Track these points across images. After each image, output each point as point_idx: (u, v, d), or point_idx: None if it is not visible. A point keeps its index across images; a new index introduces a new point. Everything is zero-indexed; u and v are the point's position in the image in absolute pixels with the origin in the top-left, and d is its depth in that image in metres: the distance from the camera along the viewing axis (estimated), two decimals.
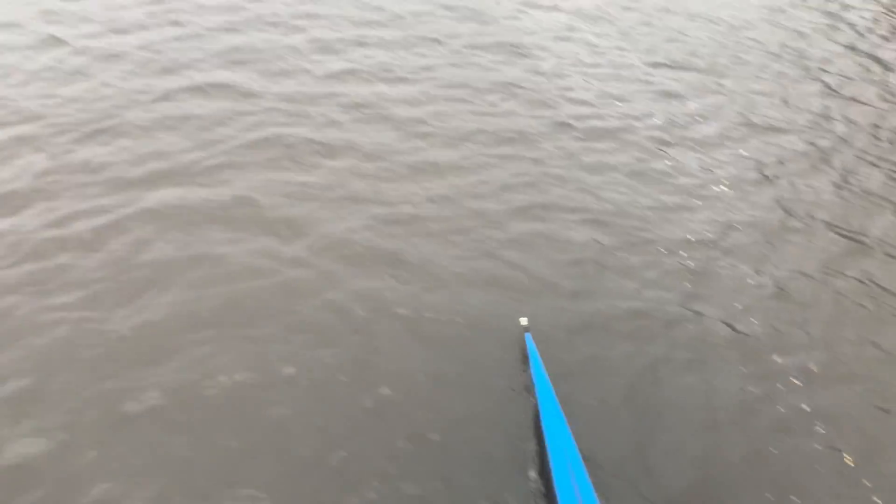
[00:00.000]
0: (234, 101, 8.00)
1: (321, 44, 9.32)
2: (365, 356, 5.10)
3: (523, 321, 5.21)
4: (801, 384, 5.27)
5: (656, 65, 9.65)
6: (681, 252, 6.30)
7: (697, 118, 8.46)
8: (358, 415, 4.74)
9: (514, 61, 9.28)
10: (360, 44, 9.42)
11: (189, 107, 7.83)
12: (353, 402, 4.81)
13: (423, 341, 5.27)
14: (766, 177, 7.52)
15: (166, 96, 8.01)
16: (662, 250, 6.30)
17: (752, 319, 5.72)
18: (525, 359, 5.10)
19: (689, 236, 6.50)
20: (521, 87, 8.65)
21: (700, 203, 6.97)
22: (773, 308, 5.85)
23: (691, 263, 6.19)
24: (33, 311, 5.30)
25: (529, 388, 4.94)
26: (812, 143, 8.27)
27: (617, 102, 8.60)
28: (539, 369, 4.83)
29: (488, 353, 5.21)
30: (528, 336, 5.13)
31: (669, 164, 7.49)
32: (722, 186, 7.23)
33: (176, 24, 9.59)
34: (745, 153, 7.88)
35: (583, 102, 8.50)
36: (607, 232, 6.46)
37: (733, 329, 5.62)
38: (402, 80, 8.61)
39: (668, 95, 8.90)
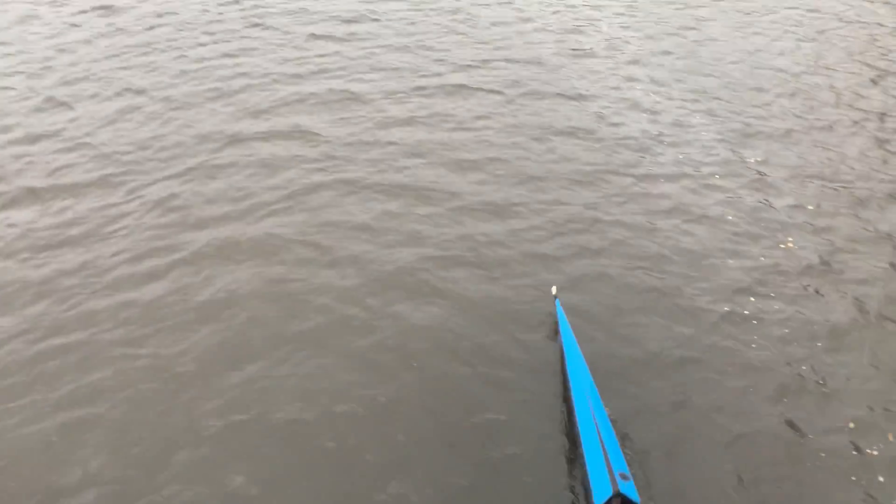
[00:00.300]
0: (299, 145, 8.32)
1: (384, 93, 9.62)
2: (417, 395, 5.18)
3: (553, 290, 5.82)
4: (863, 442, 5.12)
5: (715, 113, 9.65)
6: (737, 299, 6.24)
7: (757, 166, 8.41)
8: (409, 452, 4.81)
9: (571, 110, 9.41)
10: (422, 93, 9.69)
11: (256, 151, 8.18)
12: (404, 439, 4.88)
13: (476, 383, 5.33)
14: (826, 227, 7.40)
15: (235, 142, 8.38)
16: (719, 296, 6.25)
17: (806, 370, 5.61)
18: (555, 322, 5.63)
19: (745, 284, 6.43)
20: (577, 136, 8.76)
21: (758, 251, 6.89)
22: (829, 360, 5.71)
23: (746, 311, 6.13)
24: (101, 345, 5.56)
25: (558, 349, 5.41)
26: (871, 192, 8.13)
27: (674, 150, 8.62)
28: (567, 330, 5.38)
29: (543, 401, 5.23)
30: (557, 301, 5.73)
31: (729, 213, 7.44)
32: (784, 237, 7.14)
33: (246, 76, 10.05)
34: (805, 203, 7.78)
35: (641, 149, 8.55)
36: (663, 277, 6.45)
37: (787, 381, 5.51)
38: (462, 127, 8.82)
39: (728, 143, 8.87)
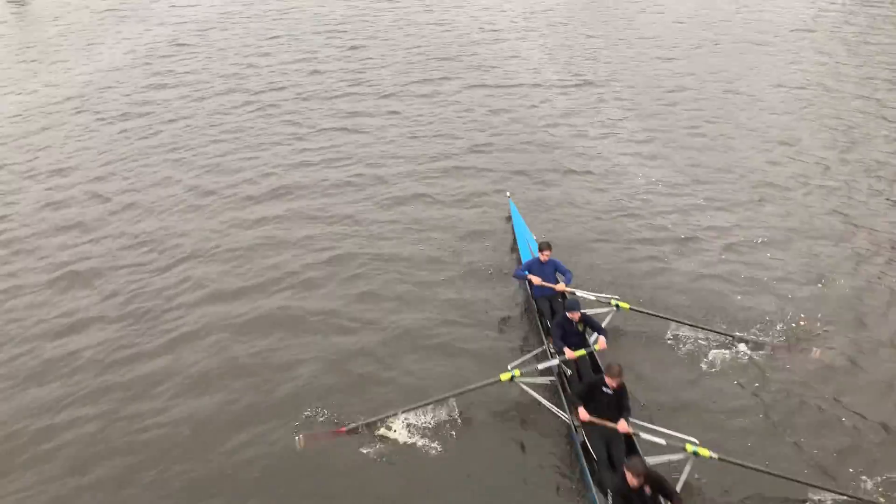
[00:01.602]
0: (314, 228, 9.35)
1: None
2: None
3: (508, 193, 9.57)
4: None
5: (723, 204, 9.84)
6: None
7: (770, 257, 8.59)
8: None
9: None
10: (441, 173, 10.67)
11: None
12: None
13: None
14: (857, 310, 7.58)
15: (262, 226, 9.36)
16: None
17: None
18: (509, 212, 9.38)
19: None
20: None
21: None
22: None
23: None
24: (118, 430, 6.33)
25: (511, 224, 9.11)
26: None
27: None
28: (515, 212, 9.23)
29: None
30: (510, 200, 9.52)
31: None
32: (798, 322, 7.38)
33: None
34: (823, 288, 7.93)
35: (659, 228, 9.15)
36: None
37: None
38: (459, 201, 9.94)
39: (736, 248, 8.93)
